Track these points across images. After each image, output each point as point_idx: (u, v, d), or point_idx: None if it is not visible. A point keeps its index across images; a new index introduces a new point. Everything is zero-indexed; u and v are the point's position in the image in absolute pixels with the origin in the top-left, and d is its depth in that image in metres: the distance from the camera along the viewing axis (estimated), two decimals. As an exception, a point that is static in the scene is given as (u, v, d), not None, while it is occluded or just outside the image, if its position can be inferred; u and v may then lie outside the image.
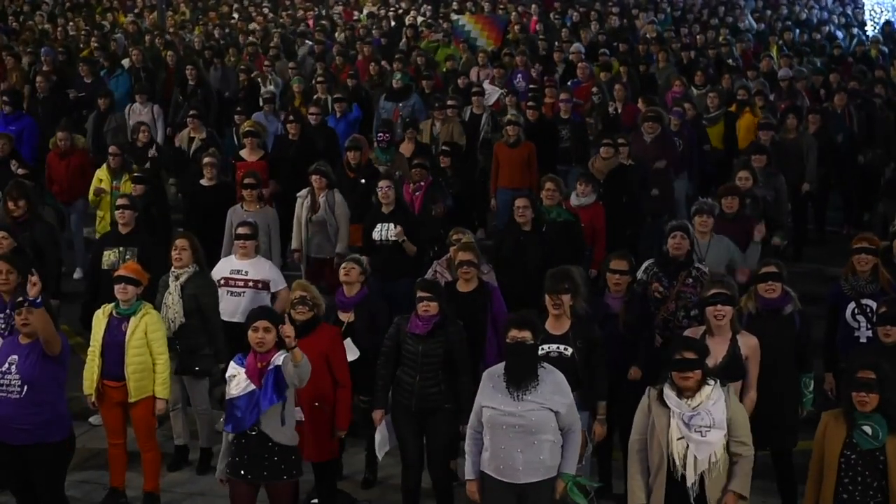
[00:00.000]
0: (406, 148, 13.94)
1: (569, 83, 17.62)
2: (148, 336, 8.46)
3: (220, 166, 12.56)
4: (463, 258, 9.01)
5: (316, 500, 8.50)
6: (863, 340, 8.69)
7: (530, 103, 14.93)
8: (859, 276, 8.85)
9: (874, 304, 8.47)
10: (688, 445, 6.57)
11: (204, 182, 12.40)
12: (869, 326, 8.61)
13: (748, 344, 7.79)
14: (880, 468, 6.56)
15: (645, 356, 8.45)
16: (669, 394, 6.66)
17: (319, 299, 8.34)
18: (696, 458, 6.57)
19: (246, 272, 9.89)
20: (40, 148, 14.83)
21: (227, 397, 7.38)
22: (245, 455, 7.31)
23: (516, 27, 22.97)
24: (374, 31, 23.33)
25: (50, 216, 12.05)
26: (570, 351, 7.86)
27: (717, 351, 7.61)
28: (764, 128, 13.72)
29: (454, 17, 23.87)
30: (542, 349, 7.61)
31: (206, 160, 12.46)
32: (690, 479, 6.59)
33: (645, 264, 9.35)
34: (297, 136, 13.85)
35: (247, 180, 11.49)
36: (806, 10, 28.07)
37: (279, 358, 7.23)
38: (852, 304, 8.78)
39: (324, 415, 8.17)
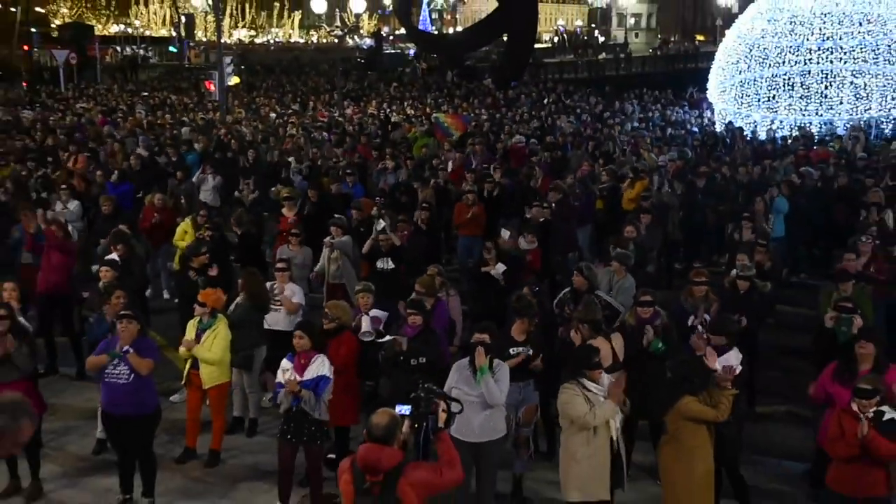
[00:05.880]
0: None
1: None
2: (211, 340, 8.47)
3: (246, 221, 12.63)
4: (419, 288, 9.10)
5: (333, 455, 8.49)
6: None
7: (489, 179, 15.00)
8: (696, 298, 8.98)
9: (707, 317, 8.59)
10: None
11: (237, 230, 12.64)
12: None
13: (616, 343, 7.82)
14: None
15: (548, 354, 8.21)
16: (591, 385, 6.54)
17: (341, 312, 8.35)
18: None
19: None
20: (136, 205, 14.89)
21: (276, 380, 7.52)
22: (291, 423, 7.43)
23: (473, 124, 23.43)
24: (372, 126, 23.62)
25: (140, 250, 12.09)
26: (530, 351, 7.85)
27: (606, 352, 7.52)
28: (646, 198, 14.02)
29: (434, 115, 24.50)
30: (514, 350, 7.71)
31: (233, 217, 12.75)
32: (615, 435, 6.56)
33: (562, 293, 9.41)
34: (316, 199, 13.98)
35: (293, 230, 11.75)
36: (674, 112, 29.01)
37: (323, 367, 7.36)
38: (692, 317, 8.82)
39: (344, 395, 8.09)
